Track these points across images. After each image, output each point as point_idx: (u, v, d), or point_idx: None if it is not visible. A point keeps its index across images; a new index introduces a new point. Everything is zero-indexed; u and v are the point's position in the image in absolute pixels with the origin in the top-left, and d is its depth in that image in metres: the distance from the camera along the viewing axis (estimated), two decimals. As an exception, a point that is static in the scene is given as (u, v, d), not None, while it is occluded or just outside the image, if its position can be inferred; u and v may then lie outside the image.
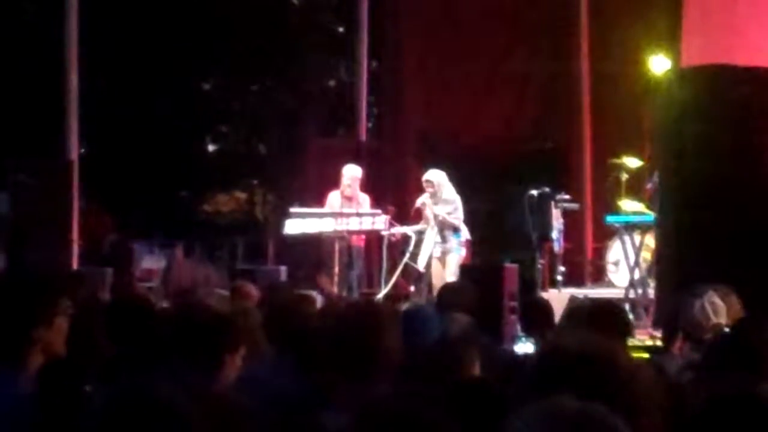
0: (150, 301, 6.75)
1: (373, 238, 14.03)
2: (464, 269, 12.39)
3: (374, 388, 3.84)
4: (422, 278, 13.43)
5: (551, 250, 14.75)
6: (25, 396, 3.97)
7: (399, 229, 13.58)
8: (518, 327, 7.72)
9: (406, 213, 13.97)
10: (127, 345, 5.45)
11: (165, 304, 9.07)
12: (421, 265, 13.22)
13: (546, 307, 7.15)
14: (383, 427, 2.51)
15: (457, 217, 13.16)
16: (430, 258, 13.20)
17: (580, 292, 12.96)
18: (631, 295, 12.09)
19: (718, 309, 6.34)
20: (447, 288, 8.21)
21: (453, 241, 13.09)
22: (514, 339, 5.46)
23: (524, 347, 5.36)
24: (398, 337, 4.14)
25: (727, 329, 5.88)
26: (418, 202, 13.25)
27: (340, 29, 23.18)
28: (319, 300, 8.36)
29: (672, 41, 13.86)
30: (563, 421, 2.13)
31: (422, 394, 2.85)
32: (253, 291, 8.28)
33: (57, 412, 3.85)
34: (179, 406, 2.58)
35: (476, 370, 4.23)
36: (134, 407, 2.59)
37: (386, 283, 13.50)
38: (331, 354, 3.95)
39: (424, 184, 13.23)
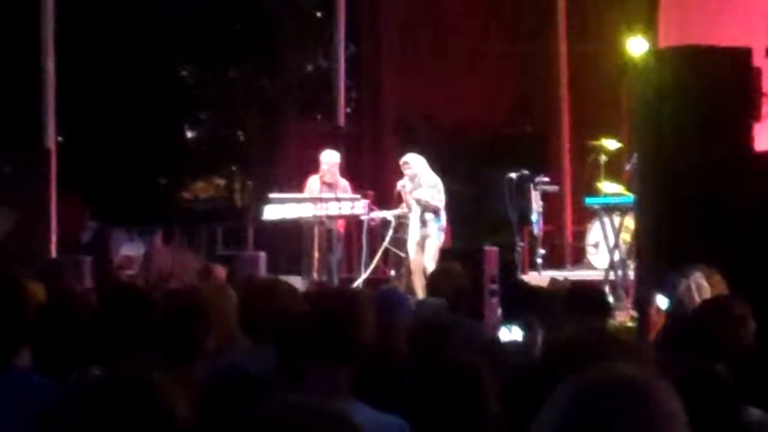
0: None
1: (353, 222, 14.00)
2: (445, 252, 12.37)
3: (348, 372, 3.84)
4: (403, 262, 13.41)
5: (531, 232, 14.75)
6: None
7: (378, 214, 13.54)
8: (500, 314, 7.67)
9: (385, 197, 13.93)
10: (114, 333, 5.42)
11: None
12: (411, 251, 13.13)
13: (530, 292, 7.05)
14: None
15: (440, 199, 13.10)
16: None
17: (560, 275, 12.95)
18: (611, 276, 12.10)
19: (703, 290, 6.32)
20: (437, 272, 8.18)
21: (433, 227, 13.03)
22: (496, 324, 5.39)
23: (509, 334, 5.27)
24: (372, 323, 4.13)
25: None
26: (398, 185, 13.20)
27: (318, 13, 23.09)
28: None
29: (649, 22, 13.87)
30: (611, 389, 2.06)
31: None
32: (222, 272, 8.25)
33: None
34: (163, 392, 2.56)
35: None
36: (118, 394, 2.57)
37: (366, 267, 13.48)
38: (308, 340, 3.93)
39: (402, 166, 13.18)
